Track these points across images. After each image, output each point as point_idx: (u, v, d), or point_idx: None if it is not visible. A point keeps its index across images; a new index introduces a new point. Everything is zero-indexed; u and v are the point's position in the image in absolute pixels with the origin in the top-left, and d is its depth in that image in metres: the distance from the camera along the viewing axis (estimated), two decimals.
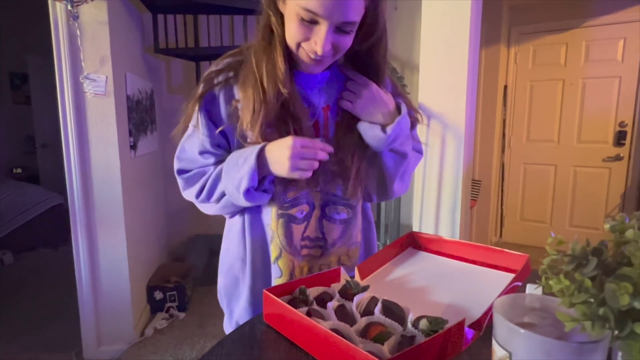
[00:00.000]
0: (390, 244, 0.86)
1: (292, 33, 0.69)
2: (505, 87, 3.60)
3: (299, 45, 0.70)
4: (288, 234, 0.79)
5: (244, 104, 0.73)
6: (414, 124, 0.85)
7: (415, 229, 2.23)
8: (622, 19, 3.11)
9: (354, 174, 0.79)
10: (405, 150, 0.80)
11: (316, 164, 0.71)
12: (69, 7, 1.68)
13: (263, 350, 0.60)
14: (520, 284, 0.67)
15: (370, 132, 0.77)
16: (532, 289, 0.57)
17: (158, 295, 2.35)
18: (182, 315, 2.36)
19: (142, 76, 2.39)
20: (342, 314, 0.63)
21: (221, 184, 0.77)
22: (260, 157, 0.72)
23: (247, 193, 0.73)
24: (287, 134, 0.73)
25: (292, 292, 0.68)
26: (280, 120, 0.74)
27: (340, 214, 0.81)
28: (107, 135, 1.92)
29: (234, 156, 0.76)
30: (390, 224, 2.30)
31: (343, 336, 0.56)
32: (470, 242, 0.81)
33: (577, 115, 3.38)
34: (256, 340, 0.62)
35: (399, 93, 0.84)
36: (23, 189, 3.69)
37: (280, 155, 0.70)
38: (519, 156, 3.68)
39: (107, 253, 2.04)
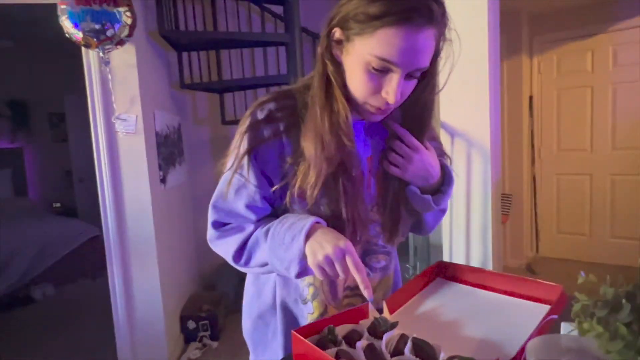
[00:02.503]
0: (418, 274, 0.85)
1: (360, 85, 0.65)
2: (531, 97, 3.52)
3: (366, 97, 0.66)
4: (332, 290, 0.79)
5: (309, 162, 0.68)
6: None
7: (445, 249, 2.18)
8: None
9: (400, 226, 0.78)
10: (445, 207, 0.81)
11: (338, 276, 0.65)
12: (101, 54, 1.79)
13: None
14: (556, 317, 0.65)
15: (421, 202, 0.75)
16: (568, 329, 0.55)
17: (191, 324, 2.38)
18: (215, 344, 2.38)
19: (169, 111, 2.49)
20: (372, 354, 0.62)
21: (262, 255, 0.72)
22: (308, 239, 0.66)
23: (300, 274, 0.69)
24: (336, 189, 0.70)
25: (320, 331, 0.68)
26: (331, 174, 0.69)
27: (380, 262, 0.81)
28: (138, 171, 2.00)
29: (280, 229, 0.69)
30: (419, 245, 2.26)
31: None
32: (500, 272, 0.79)
33: (610, 121, 3.26)
34: None
35: (434, 137, 0.82)
36: (63, 223, 3.86)
37: (321, 248, 0.64)
38: (551, 167, 3.56)
39: (141, 285, 2.10)
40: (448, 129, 2.07)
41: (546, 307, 0.69)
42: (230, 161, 0.74)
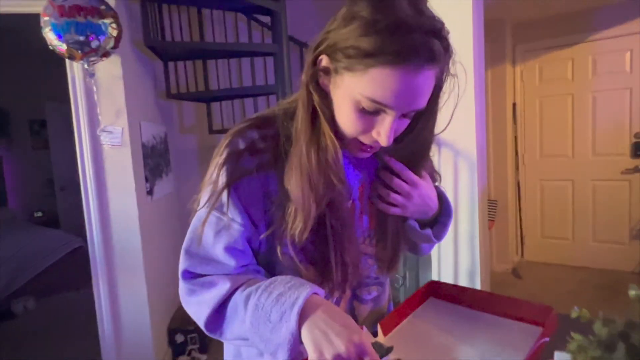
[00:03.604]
0: (411, 295, 0.85)
1: (349, 124, 0.59)
2: (514, 104, 3.59)
3: (355, 136, 0.61)
4: None
5: (296, 203, 0.61)
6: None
7: (434, 257, 2.20)
8: (627, 31, 3.10)
9: (399, 259, 0.76)
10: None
11: None
12: (86, 67, 1.76)
13: None
14: (547, 339, 0.66)
15: (420, 236, 0.74)
16: (562, 357, 0.56)
17: (179, 338, 2.34)
18: (204, 357, 2.35)
19: (155, 121, 2.46)
20: None
21: (242, 328, 0.59)
22: (303, 318, 0.54)
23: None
24: (324, 231, 0.63)
25: None
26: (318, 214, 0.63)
27: (371, 293, 0.78)
28: (124, 184, 1.97)
29: (264, 301, 0.56)
30: (409, 255, 2.27)
31: None
32: (492, 292, 0.80)
33: (590, 128, 3.35)
34: None
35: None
36: (44, 233, 3.78)
37: (329, 343, 0.50)
38: (534, 173, 3.63)
39: (128, 298, 2.06)
40: (435, 139, 2.10)
41: (538, 329, 0.70)
42: (204, 197, 0.64)
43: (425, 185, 0.71)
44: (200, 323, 0.64)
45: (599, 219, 3.38)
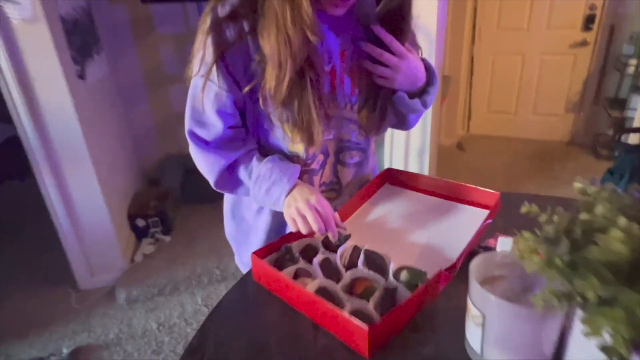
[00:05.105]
0: (368, 182, 0.87)
1: None
2: None
3: None
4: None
5: (269, 60, 0.66)
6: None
7: (387, 136, 2.27)
8: None
9: (384, 126, 0.80)
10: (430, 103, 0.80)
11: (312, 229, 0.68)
12: None
13: (259, 311, 0.64)
14: (490, 221, 0.72)
15: (410, 105, 0.76)
16: (504, 242, 0.61)
17: (140, 222, 2.38)
18: (167, 238, 2.43)
19: None
20: (328, 269, 0.66)
21: (244, 195, 0.79)
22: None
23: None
24: (304, 88, 0.68)
25: (278, 249, 0.71)
26: (298, 73, 0.67)
27: (353, 158, 0.83)
28: (49, 67, 1.73)
29: (257, 191, 0.75)
30: None
31: (330, 295, 0.61)
32: (443, 179, 0.84)
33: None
34: (250, 302, 0.66)
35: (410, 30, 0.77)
36: None
37: (294, 201, 0.70)
38: (489, 47, 3.60)
39: (78, 187, 2.00)
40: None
41: (483, 212, 0.76)
42: (196, 64, 0.71)
43: (412, 58, 0.72)
44: (210, 181, 0.79)
45: (542, 92, 3.53)
